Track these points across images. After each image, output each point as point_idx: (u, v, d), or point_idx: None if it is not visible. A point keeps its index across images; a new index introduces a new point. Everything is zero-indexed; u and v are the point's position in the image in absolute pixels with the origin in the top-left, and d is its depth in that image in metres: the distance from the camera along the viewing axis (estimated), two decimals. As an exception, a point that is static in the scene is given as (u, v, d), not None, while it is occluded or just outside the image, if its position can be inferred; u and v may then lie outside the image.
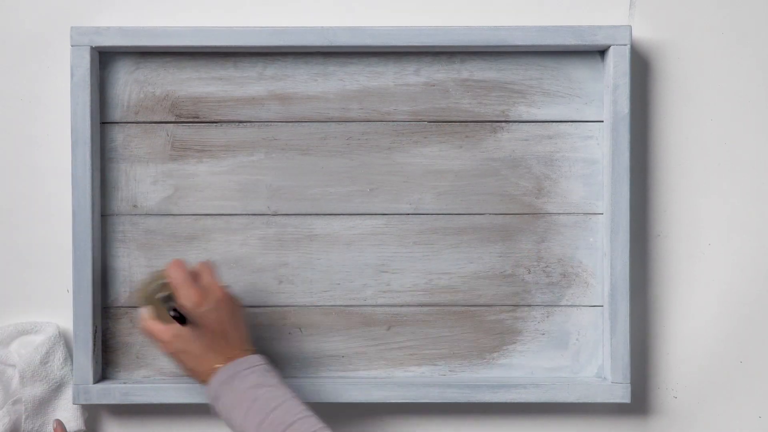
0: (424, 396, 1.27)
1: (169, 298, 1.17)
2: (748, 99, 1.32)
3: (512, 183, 1.31)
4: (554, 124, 1.30)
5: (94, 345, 1.27)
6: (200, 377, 1.16)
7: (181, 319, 1.16)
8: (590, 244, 1.30)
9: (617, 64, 1.26)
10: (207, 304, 1.15)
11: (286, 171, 1.30)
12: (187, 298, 1.15)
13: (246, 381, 1.13)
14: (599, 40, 1.26)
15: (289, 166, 1.30)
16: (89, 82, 1.26)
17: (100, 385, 1.27)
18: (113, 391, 1.27)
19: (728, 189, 1.33)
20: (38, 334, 1.30)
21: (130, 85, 1.30)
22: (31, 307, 1.32)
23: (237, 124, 1.30)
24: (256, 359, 1.16)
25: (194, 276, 1.18)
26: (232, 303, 1.18)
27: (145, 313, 1.19)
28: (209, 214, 1.31)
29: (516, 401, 1.27)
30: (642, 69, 1.31)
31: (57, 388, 1.28)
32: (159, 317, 1.18)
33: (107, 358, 1.31)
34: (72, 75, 1.25)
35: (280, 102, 1.30)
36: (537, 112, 1.30)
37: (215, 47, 1.27)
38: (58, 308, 1.31)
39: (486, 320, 1.31)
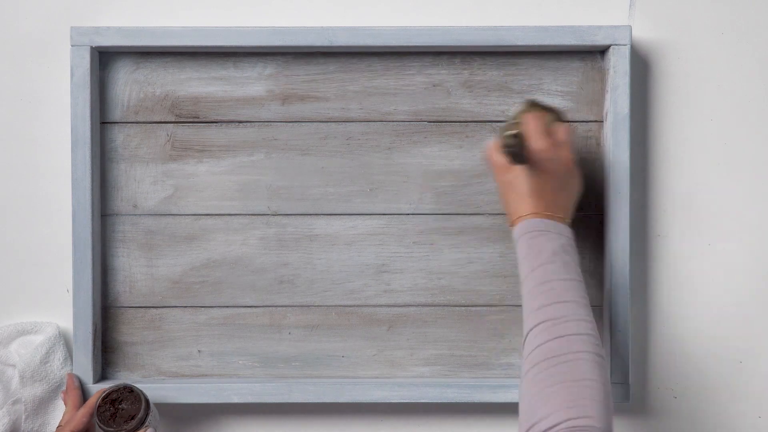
0: (424, 396, 1.27)
1: (516, 137, 1.14)
2: (748, 99, 1.32)
3: (512, 183, 1.31)
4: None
5: (94, 345, 1.27)
6: (512, 215, 1.17)
7: (515, 157, 1.14)
8: (590, 244, 1.30)
9: (617, 64, 1.26)
10: (552, 155, 1.15)
11: (286, 171, 1.30)
12: (536, 142, 1.15)
13: (552, 242, 1.12)
14: (599, 40, 1.26)
15: (289, 166, 1.30)
16: (89, 82, 1.26)
17: (100, 385, 1.27)
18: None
19: (728, 189, 1.33)
20: (38, 334, 1.30)
21: (130, 85, 1.30)
22: (31, 307, 1.32)
23: (237, 124, 1.30)
24: (568, 231, 1.15)
25: (550, 132, 1.17)
26: (573, 171, 1.18)
27: (493, 143, 1.20)
28: (209, 214, 1.31)
29: (516, 401, 1.27)
30: (642, 69, 1.32)
31: (57, 388, 1.28)
32: (501, 152, 1.17)
33: (107, 358, 1.31)
34: (72, 75, 1.26)
35: (280, 102, 1.30)
36: (537, 112, 1.30)
37: (215, 47, 1.27)
38: (58, 308, 1.31)
39: (486, 320, 1.31)
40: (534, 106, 1.22)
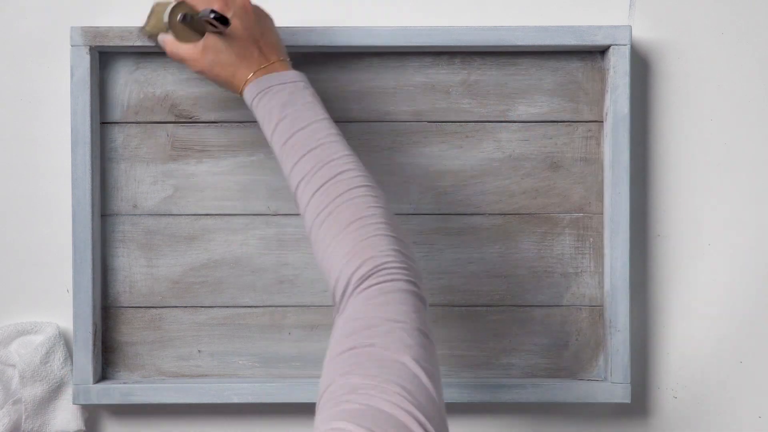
0: (424, 396, 1.27)
1: (188, 16, 1.12)
2: (748, 99, 1.32)
3: (512, 183, 1.31)
4: (554, 124, 1.31)
5: (94, 345, 1.27)
6: (235, 89, 1.13)
7: (223, 19, 1.09)
8: (590, 244, 1.30)
9: (617, 64, 1.26)
10: (231, 10, 1.11)
11: (286, 171, 1.30)
12: (209, 4, 1.11)
13: (276, 97, 1.08)
14: (599, 40, 1.26)
15: (289, 166, 1.30)
16: (89, 83, 1.26)
17: (100, 385, 1.27)
18: (113, 391, 1.27)
19: (728, 189, 1.33)
20: (38, 334, 1.30)
21: (130, 85, 1.30)
22: (31, 307, 1.32)
23: (237, 124, 1.30)
24: (290, 75, 1.11)
25: None
26: (258, 11, 1.14)
27: (167, 38, 1.16)
28: (209, 214, 1.31)
29: (516, 401, 1.27)
30: (642, 69, 1.32)
31: (57, 388, 1.28)
32: (181, 39, 1.14)
33: (107, 358, 1.31)
34: (72, 75, 1.25)
35: (280, 102, 1.30)
36: (537, 112, 1.30)
37: (215, 47, 1.27)
38: (58, 308, 1.31)
39: (486, 320, 1.31)
40: None
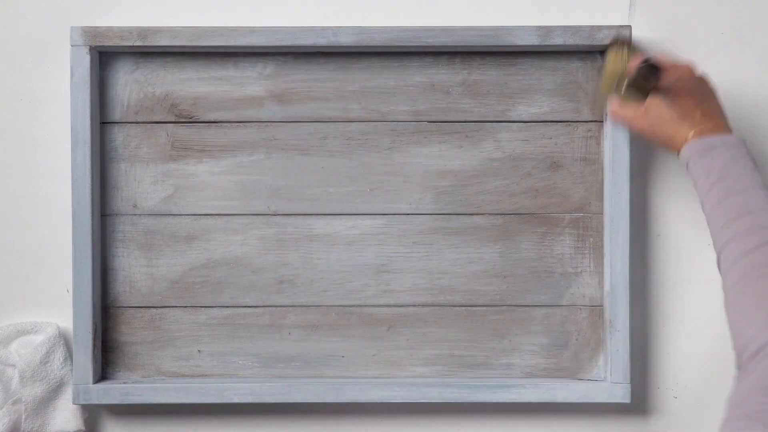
0: (424, 396, 1.27)
1: (649, 70, 1.16)
2: (748, 99, 1.32)
3: (512, 183, 1.31)
4: (554, 123, 1.30)
5: (94, 345, 1.27)
6: (674, 147, 1.15)
7: (652, 68, 1.14)
8: (590, 244, 1.30)
9: (617, 64, 1.26)
10: (675, 73, 1.15)
11: (286, 171, 1.30)
12: (667, 67, 1.15)
13: (717, 159, 1.10)
14: (600, 41, 1.26)
15: (289, 166, 1.30)
16: (89, 82, 1.26)
17: (100, 385, 1.27)
18: (113, 391, 1.27)
19: (728, 189, 1.33)
20: (38, 334, 1.30)
21: (129, 85, 1.30)
22: (31, 307, 1.32)
23: (237, 124, 1.30)
24: (733, 139, 1.12)
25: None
26: (703, 78, 1.17)
27: (612, 101, 1.20)
28: (209, 214, 1.31)
29: (516, 401, 1.27)
30: (642, 69, 1.32)
31: (57, 388, 1.28)
32: (626, 100, 1.18)
33: (107, 358, 1.31)
34: (72, 75, 1.26)
35: (280, 102, 1.30)
36: (537, 112, 1.30)
37: (215, 47, 1.27)
38: (58, 308, 1.31)
39: (486, 320, 1.31)
40: (618, 44, 1.23)
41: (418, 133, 1.31)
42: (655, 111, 1.16)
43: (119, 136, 1.30)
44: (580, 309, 1.31)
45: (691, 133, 1.14)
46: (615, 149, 1.26)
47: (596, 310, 1.31)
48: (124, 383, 1.28)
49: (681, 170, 1.32)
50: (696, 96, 1.15)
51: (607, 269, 1.28)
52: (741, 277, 1.00)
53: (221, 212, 1.30)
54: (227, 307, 1.31)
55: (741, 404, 0.87)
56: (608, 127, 1.27)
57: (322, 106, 1.30)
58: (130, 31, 1.26)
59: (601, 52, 1.29)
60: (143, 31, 1.26)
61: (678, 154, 1.15)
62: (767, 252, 1.01)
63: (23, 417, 1.27)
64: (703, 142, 1.12)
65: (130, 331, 1.31)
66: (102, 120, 1.29)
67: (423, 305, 1.31)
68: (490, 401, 1.27)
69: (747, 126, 1.32)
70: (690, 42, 1.32)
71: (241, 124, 1.30)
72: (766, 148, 1.33)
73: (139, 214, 1.30)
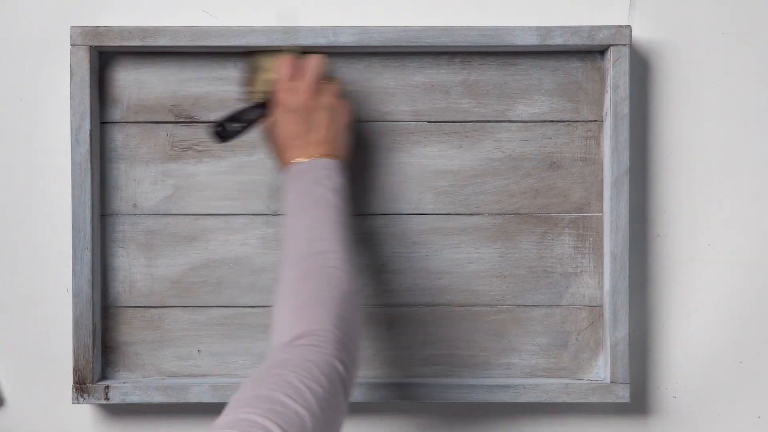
0: (424, 396, 1.27)
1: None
2: (748, 99, 1.32)
3: (512, 183, 1.31)
4: (554, 124, 1.31)
5: (94, 345, 1.27)
6: (282, 171, 1.18)
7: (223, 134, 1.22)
8: (590, 244, 1.30)
9: (617, 64, 1.26)
10: (292, 102, 1.18)
11: (286, 171, 1.30)
12: (278, 99, 1.19)
13: (291, 193, 1.13)
14: (599, 40, 1.26)
15: (289, 166, 1.30)
16: (89, 82, 1.26)
17: (99, 385, 1.27)
18: (113, 391, 1.27)
19: (728, 189, 1.33)
20: None
21: (129, 85, 1.30)
22: (31, 307, 1.32)
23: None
24: (323, 164, 1.15)
25: (297, 70, 1.20)
26: (318, 105, 1.18)
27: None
28: (209, 214, 1.31)
29: (516, 401, 1.27)
30: (642, 69, 1.32)
31: None
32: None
33: (107, 358, 1.31)
34: (72, 75, 1.26)
35: (280, 102, 1.30)
36: (537, 112, 1.30)
37: (215, 47, 1.27)
38: (58, 308, 1.31)
39: (486, 320, 1.31)
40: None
41: (418, 133, 1.31)
42: (269, 129, 1.20)
43: (119, 136, 1.30)
44: (580, 309, 1.31)
45: (289, 162, 1.16)
46: (615, 149, 1.26)
47: (596, 310, 1.31)
48: (124, 383, 1.28)
49: (681, 170, 1.32)
50: (299, 124, 1.17)
51: (606, 269, 1.28)
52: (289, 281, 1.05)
53: (221, 212, 1.30)
54: (227, 307, 1.31)
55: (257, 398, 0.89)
56: (608, 127, 1.27)
57: (322, 106, 1.30)
58: (130, 31, 1.26)
59: (601, 52, 1.29)
60: (143, 31, 1.26)
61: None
62: (321, 258, 1.05)
63: None
64: (291, 172, 1.15)
65: (130, 331, 1.31)
66: (102, 120, 1.29)
67: (423, 305, 1.31)
68: (489, 401, 1.27)
69: (747, 126, 1.32)
70: (690, 42, 1.32)
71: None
72: (766, 148, 1.33)
73: (139, 214, 1.30)
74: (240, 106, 1.24)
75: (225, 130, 1.22)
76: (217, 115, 1.28)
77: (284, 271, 1.06)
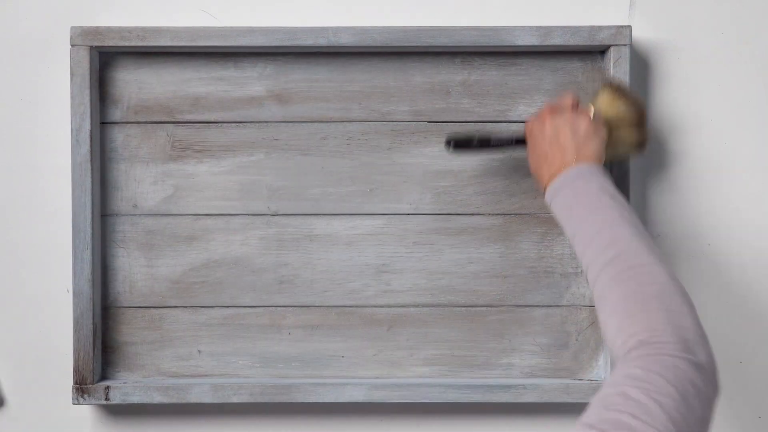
0: (424, 396, 1.27)
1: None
2: (748, 99, 1.32)
3: (512, 183, 1.31)
4: (554, 124, 1.30)
5: (94, 345, 1.27)
6: (542, 184, 1.17)
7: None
8: (590, 244, 1.30)
9: (618, 65, 1.26)
10: (533, 128, 1.19)
11: (286, 171, 1.30)
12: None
13: (564, 198, 1.12)
14: (600, 41, 1.26)
15: (289, 166, 1.30)
16: (89, 82, 1.26)
17: (100, 385, 1.27)
18: (113, 391, 1.27)
19: (728, 189, 1.33)
20: None
21: (130, 85, 1.30)
22: (31, 307, 1.32)
23: (237, 124, 1.30)
24: (571, 173, 1.13)
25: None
26: (564, 121, 1.18)
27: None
28: (209, 214, 1.31)
29: (516, 402, 1.27)
30: (642, 69, 1.32)
31: None
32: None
33: (107, 358, 1.31)
34: (72, 75, 1.26)
35: (281, 102, 1.30)
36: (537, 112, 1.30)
37: (215, 47, 1.27)
38: (58, 308, 1.31)
39: (486, 320, 1.31)
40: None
41: (419, 133, 1.31)
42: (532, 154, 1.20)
43: (119, 137, 1.30)
44: (580, 309, 1.31)
45: (547, 179, 1.15)
46: (615, 149, 1.26)
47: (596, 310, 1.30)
48: (125, 383, 1.28)
49: (681, 171, 1.32)
50: (540, 146, 1.17)
51: (607, 269, 1.28)
52: (608, 281, 1.02)
53: (221, 212, 1.30)
54: (227, 307, 1.31)
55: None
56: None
57: (322, 106, 1.30)
58: (130, 31, 1.26)
59: (601, 52, 1.29)
60: (143, 32, 1.26)
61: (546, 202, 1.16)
62: (623, 260, 1.02)
63: None
64: (552, 186, 1.13)
65: (130, 331, 1.31)
66: (102, 120, 1.29)
67: (423, 305, 1.31)
68: (490, 401, 1.27)
69: (747, 126, 1.32)
70: (690, 42, 1.32)
71: (241, 124, 1.30)
72: (766, 148, 1.33)
73: (139, 215, 1.30)
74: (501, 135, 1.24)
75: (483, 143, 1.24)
76: (218, 115, 1.29)
77: (595, 284, 1.04)
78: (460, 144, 1.24)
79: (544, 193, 1.15)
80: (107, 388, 1.27)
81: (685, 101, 1.32)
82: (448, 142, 1.24)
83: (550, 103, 1.22)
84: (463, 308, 1.31)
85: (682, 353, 0.93)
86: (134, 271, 1.31)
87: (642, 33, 1.31)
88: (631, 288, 0.99)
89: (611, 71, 1.26)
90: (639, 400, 0.85)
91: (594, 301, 1.03)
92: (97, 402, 1.27)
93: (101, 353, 1.30)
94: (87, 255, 1.26)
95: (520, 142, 1.23)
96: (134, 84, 1.30)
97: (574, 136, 1.15)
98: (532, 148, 1.19)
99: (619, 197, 1.09)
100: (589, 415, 0.85)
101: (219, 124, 1.30)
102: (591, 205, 1.08)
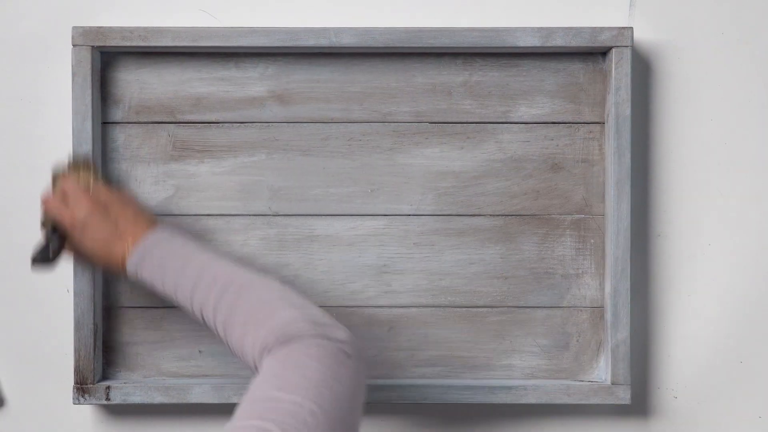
0: (425, 397, 1.27)
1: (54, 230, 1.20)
2: (748, 99, 1.33)
3: (513, 184, 1.31)
4: (555, 125, 1.31)
5: (95, 345, 1.27)
6: (121, 269, 1.17)
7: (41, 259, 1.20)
8: (591, 245, 1.31)
9: (619, 66, 1.26)
10: (79, 219, 1.17)
11: (287, 171, 1.30)
12: (59, 222, 1.19)
13: (151, 260, 1.14)
14: (601, 42, 1.26)
15: (290, 166, 1.30)
16: (90, 83, 1.25)
17: (100, 385, 1.27)
18: (114, 392, 1.27)
19: (728, 189, 1.33)
20: None
21: (131, 85, 1.30)
22: (31, 307, 1.32)
23: (238, 124, 1.30)
24: (154, 235, 1.15)
25: (63, 197, 1.19)
26: (103, 200, 1.19)
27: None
28: (210, 214, 1.31)
29: (516, 403, 1.27)
30: (643, 70, 1.32)
31: None
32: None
33: (108, 359, 1.31)
34: (73, 75, 1.25)
35: (282, 102, 1.30)
36: (538, 114, 1.30)
37: (217, 47, 1.27)
38: (59, 308, 1.31)
39: (486, 321, 1.31)
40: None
41: (420, 134, 1.30)
42: (82, 254, 1.20)
43: (120, 137, 1.30)
44: (581, 310, 1.31)
45: (123, 256, 1.16)
46: (616, 151, 1.26)
47: (597, 311, 1.31)
48: (125, 383, 1.28)
49: (681, 170, 1.32)
50: (103, 226, 1.17)
51: (608, 270, 1.28)
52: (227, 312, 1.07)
53: (222, 213, 1.30)
54: (228, 307, 1.31)
55: (252, 402, 0.92)
56: (610, 128, 1.27)
57: (323, 106, 1.30)
58: (131, 31, 1.25)
59: (602, 53, 1.29)
60: (145, 32, 1.26)
61: (128, 275, 1.17)
62: (235, 285, 1.08)
63: None
64: (134, 258, 1.14)
65: (131, 331, 1.31)
66: (103, 120, 1.29)
67: (424, 306, 1.31)
68: (490, 402, 1.28)
69: (747, 126, 1.32)
70: (690, 42, 1.32)
71: (242, 124, 1.30)
72: (766, 148, 1.33)
73: (140, 215, 1.30)
74: (40, 241, 1.21)
75: (40, 261, 1.20)
76: (219, 115, 1.29)
77: (216, 318, 1.08)
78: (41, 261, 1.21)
79: (121, 269, 1.17)
80: (108, 388, 1.27)
81: (685, 102, 1.32)
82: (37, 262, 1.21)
83: (54, 201, 1.20)
84: (464, 309, 1.31)
85: (321, 333, 0.99)
86: (135, 271, 1.31)
87: (643, 34, 1.31)
88: (252, 301, 1.05)
89: (613, 73, 1.26)
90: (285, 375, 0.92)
91: (220, 335, 1.08)
92: (98, 402, 1.27)
93: (102, 353, 1.30)
94: (88, 255, 1.26)
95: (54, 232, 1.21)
96: (135, 84, 1.30)
97: (131, 207, 1.19)
98: (90, 242, 1.18)
99: (198, 242, 1.16)
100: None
101: (220, 125, 1.30)
102: (182, 257, 1.12)
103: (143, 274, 1.14)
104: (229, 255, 1.14)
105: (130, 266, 1.15)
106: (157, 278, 1.13)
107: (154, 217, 1.21)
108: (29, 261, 1.20)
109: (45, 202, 1.20)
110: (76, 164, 1.23)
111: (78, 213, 1.17)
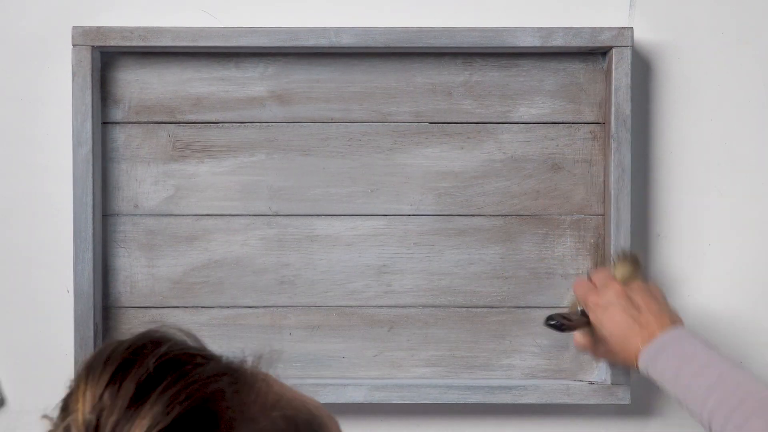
0: (425, 397, 1.27)
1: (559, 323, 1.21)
2: (748, 99, 1.33)
3: (513, 184, 1.31)
4: (555, 125, 1.31)
5: (95, 345, 1.27)
6: (633, 363, 1.17)
7: (559, 327, 1.21)
8: (591, 245, 1.31)
9: (619, 66, 1.26)
10: (603, 301, 1.18)
11: (287, 171, 1.30)
12: (584, 303, 1.20)
13: (670, 358, 1.12)
14: (601, 42, 1.26)
15: (290, 166, 1.30)
16: (90, 82, 1.25)
17: (101, 386, 1.27)
18: (114, 392, 1.26)
19: (728, 189, 1.33)
20: None
21: (131, 85, 1.30)
22: (32, 307, 1.32)
23: (238, 124, 1.30)
24: (673, 333, 1.14)
25: (594, 282, 1.22)
26: (636, 291, 1.19)
27: (576, 334, 1.24)
28: (210, 214, 1.31)
29: (516, 403, 1.28)
30: (643, 70, 1.32)
31: None
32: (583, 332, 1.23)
33: (108, 359, 1.31)
34: (73, 75, 1.25)
35: (282, 102, 1.30)
36: (538, 114, 1.30)
37: (217, 48, 1.27)
38: (59, 308, 1.31)
39: (486, 321, 1.31)
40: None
41: (420, 134, 1.31)
42: (602, 342, 1.20)
43: (120, 136, 1.30)
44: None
45: (639, 345, 1.15)
46: (617, 151, 1.26)
47: (597, 311, 1.31)
48: (125, 383, 1.28)
49: (681, 170, 1.32)
50: (626, 312, 1.17)
51: (608, 269, 1.28)
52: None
53: (222, 213, 1.30)
54: (228, 307, 1.31)
55: None
56: (610, 128, 1.27)
57: (323, 106, 1.30)
58: (131, 31, 1.26)
59: (602, 53, 1.29)
60: (145, 32, 1.26)
61: (639, 366, 1.16)
62: (752, 398, 1.04)
63: None
64: (650, 349, 1.14)
65: (131, 331, 1.31)
66: (103, 120, 1.29)
67: (424, 306, 1.31)
68: (490, 402, 1.28)
69: (747, 126, 1.32)
70: (690, 42, 1.32)
71: (242, 124, 1.30)
72: (766, 148, 1.33)
73: (140, 215, 1.30)
74: (568, 312, 1.24)
75: (560, 326, 1.21)
76: (219, 115, 1.29)
77: (726, 427, 1.05)
78: (558, 327, 1.23)
79: (634, 363, 1.16)
80: (108, 388, 1.27)
81: (685, 102, 1.32)
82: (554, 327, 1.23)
83: (584, 284, 1.22)
84: (464, 309, 1.31)
85: None
86: (135, 271, 1.31)
87: (643, 34, 1.31)
88: None
89: (613, 73, 1.26)
90: None
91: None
92: (98, 402, 1.27)
93: (102, 353, 1.30)
94: (88, 255, 1.26)
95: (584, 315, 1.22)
96: (135, 84, 1.30)
97: (657, 301, 1.18)
98: (610, 325, 1.17)
99: (716, 349, 1.13)
100: None
101: (220, 125, 1.30)
102: (699, 360, 1.10)
103: (656, 367, 1.13)
104: (743, 366, 1.12)
105: (644, 357, 1.14)
106: (668, 375, 1.12)
107: (678, 317, 1.18)
108: (545, 316, 1.22)
109: (576, 285, 1.23)
110: (624, 257, 1.24)
111: (604, 295, 1.18)
